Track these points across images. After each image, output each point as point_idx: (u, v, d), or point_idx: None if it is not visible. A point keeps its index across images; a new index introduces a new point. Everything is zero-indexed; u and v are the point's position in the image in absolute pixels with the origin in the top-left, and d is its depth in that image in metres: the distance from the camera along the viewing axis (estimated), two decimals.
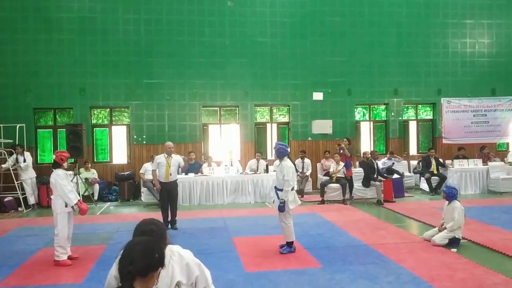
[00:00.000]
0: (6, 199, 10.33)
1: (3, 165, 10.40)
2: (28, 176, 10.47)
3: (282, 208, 6.14)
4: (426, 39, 13.61)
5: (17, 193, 10.29)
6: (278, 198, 6.20)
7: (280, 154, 6.33)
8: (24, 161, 10.38)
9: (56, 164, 6.05)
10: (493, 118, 12.90)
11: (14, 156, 10.40)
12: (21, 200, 10.31)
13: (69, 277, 5.40)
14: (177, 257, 2.33)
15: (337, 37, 13.16)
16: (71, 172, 9.33)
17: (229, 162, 11.76)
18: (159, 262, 1.92)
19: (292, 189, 6.25)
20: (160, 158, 8.16)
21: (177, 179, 8.29)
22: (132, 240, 2.02)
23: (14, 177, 10.28)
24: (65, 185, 5.91)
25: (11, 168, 10.30)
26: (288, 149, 6.45)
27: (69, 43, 11.99)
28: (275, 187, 6.41)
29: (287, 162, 6.25)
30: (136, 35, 12.28)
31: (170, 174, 8.04)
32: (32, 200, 10.48)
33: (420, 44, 13.57)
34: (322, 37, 13.10)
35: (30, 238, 7.36)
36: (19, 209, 10.33)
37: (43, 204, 10.61)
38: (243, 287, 4.95)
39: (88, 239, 7.26)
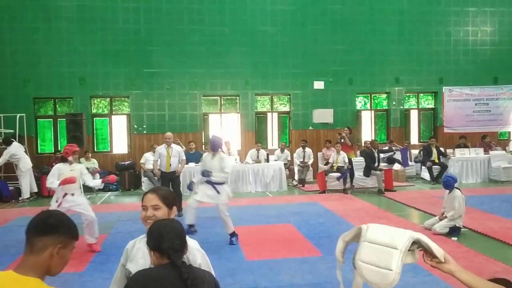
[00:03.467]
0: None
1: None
2: (23, 167, 10.23)
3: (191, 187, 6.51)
4: (428, 27, 13.48)
5: (18, 183, 10.29)
6: (218, 192, 6.24)
7: (215, 147, 6.40)
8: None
9: (63, 158, 6.03)
10: (495, 107, 12.83)
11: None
12: (22, 190, 10.30)
13: (70, 266, 5.35)
14: None
15: (338, 25, 13.03)
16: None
17: (227, 152, 11.72)
18: None
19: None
20: (161, 148, 8.29)
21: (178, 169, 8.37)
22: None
23: (14, 167, 10.26)
24: (49, 176, 5.87)
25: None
26: (223, 142, 6.56)
27: (68, 32, 11.90)
28: (210, 180, 6.25)
29: (222, 154, 6.41)
30: (135, 24, 12.17)
31: (170, 165, 8.16)
32: (27, 192, 10.16)
33: (422, 32, 13.44)
34: (323, 26, 12.98)
35: None
36: (20, 198, 10.33)
37: (44, 194, 10.62)
38: (244, 275, 4.96)
39: None
